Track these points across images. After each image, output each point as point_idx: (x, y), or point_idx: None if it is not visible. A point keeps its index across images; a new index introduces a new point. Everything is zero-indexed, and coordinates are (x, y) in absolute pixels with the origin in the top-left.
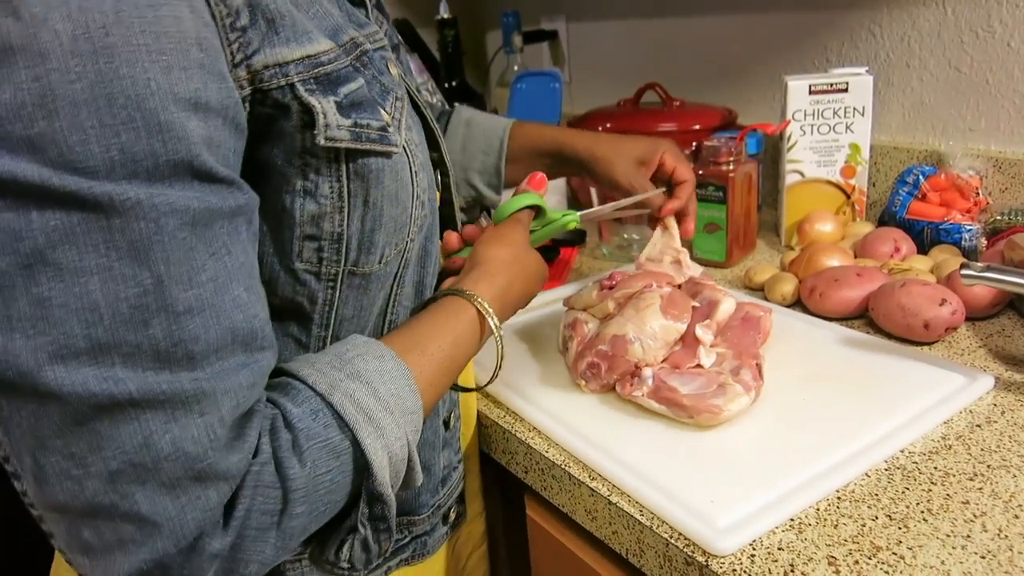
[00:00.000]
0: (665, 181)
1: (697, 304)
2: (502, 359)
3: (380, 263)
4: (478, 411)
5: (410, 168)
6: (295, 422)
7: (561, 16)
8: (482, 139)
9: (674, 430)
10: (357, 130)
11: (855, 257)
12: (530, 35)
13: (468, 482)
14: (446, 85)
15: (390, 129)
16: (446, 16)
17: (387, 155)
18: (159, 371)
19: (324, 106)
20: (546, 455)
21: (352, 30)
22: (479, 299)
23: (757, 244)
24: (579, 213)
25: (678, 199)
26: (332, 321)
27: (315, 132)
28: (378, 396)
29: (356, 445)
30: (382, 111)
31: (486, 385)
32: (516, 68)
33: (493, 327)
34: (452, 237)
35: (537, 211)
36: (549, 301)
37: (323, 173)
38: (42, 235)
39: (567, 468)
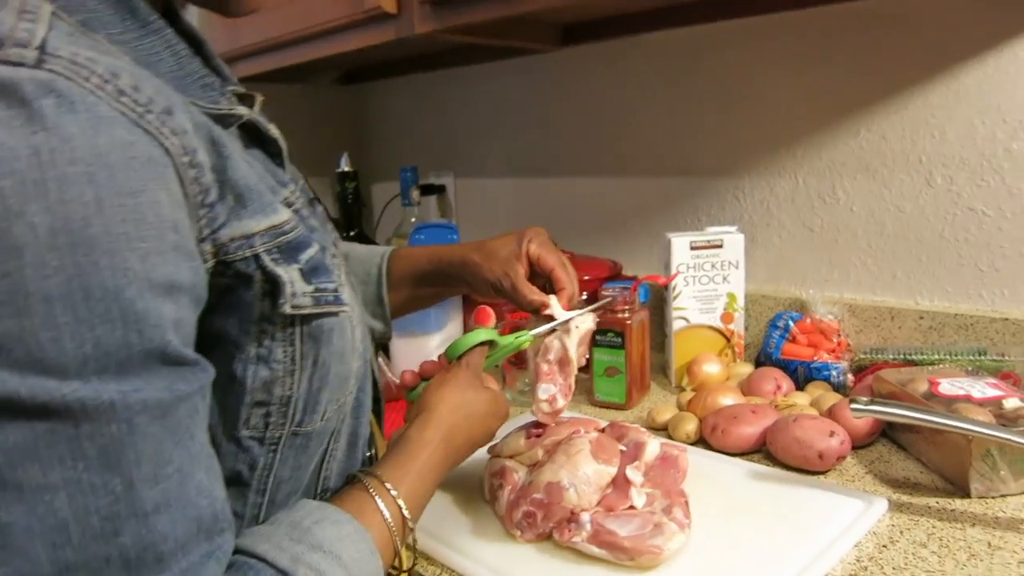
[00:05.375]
0: (543, 275)
1: (624, 447)
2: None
3: (322, 420)
4: (411, 570)
5: (351, 323)
6: None
7: (449, 172)
8: (360, 270)
9: (613, 574)
10: (318, 295)
11: (743, 395)
12: (420, 188)
13: None
14: (344, 235)
15: (340, 289)
16: (347, 168)
17: (337, 314)
18: None
19: (290, 274)
20: None
21: (282, 189)
22: (399, 499)
23: (651, 386)
24: (531, 332)
25: (563, 290)
26: (269, 485)
27: (281, 301)
28: (343, 565)
29: None
30: (333, 272)
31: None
32: (413, 220)
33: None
34: (408, 375)
35: (490, 344)
36: None
37: (277, 339)
38: (0, 454)
39: None
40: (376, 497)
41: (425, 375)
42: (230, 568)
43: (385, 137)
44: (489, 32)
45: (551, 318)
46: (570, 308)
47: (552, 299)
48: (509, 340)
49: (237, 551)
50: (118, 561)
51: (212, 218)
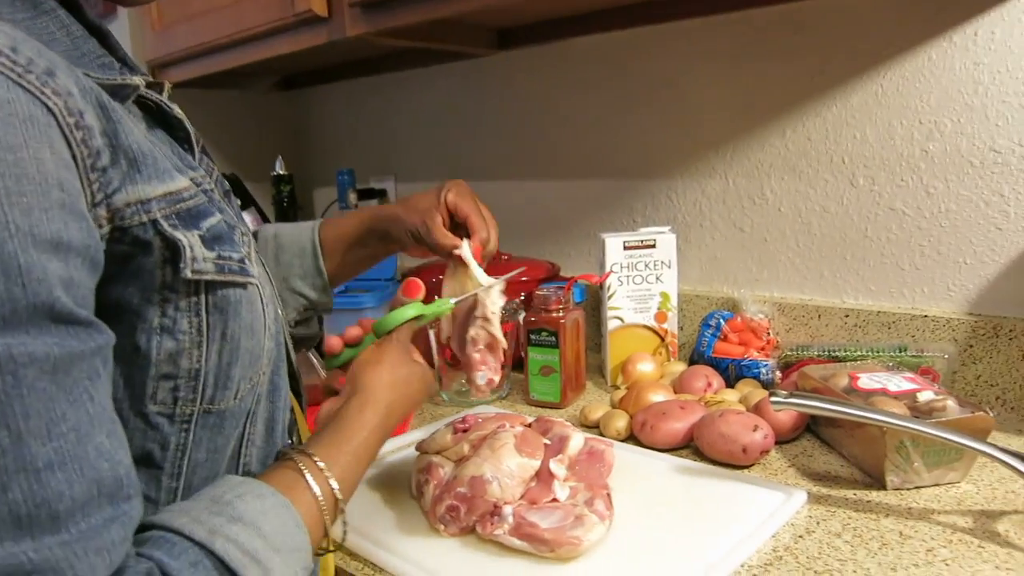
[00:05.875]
0: (461, 223)
1: (548, 441)
2: (345, 528)
3: (236, 399)
4: (336, 567)
5: (261, 299)
6: (173, 575)
7: (390, 176)
8: (293, 244)
9: (537, 566)
10: (221, 262)
11: (675, 393)
12: (360, 192)
13: None
14: None
15: (247, 261)
16: (282, 172)
17: (244, 286)
18: (20, 539)
19: (190, 240)
20: None
21: (188, 171)
22: (331, 479)
23: (586, 385)
24: (453, 301)
25: (476, 235)
26: (184, 469)
27: (181, 266)
28: (263, 536)
29: None
30: (240, 246)
31: (337, 548)
32: None
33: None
34: (334, 341)
35: (418, 318)
36: (395, 448)
37: (182, 308)
38: None
39: None
40: (306, 473)
41: (349, 342)
42: (146, 543)
43: (326, 143)
44: (422, 35)
45: (462, 260)
46: (484, 253)
47: (464, 242)
48: (432, 308)
49: (155, 526)
50: (8, 517)
51: (105, 182)
